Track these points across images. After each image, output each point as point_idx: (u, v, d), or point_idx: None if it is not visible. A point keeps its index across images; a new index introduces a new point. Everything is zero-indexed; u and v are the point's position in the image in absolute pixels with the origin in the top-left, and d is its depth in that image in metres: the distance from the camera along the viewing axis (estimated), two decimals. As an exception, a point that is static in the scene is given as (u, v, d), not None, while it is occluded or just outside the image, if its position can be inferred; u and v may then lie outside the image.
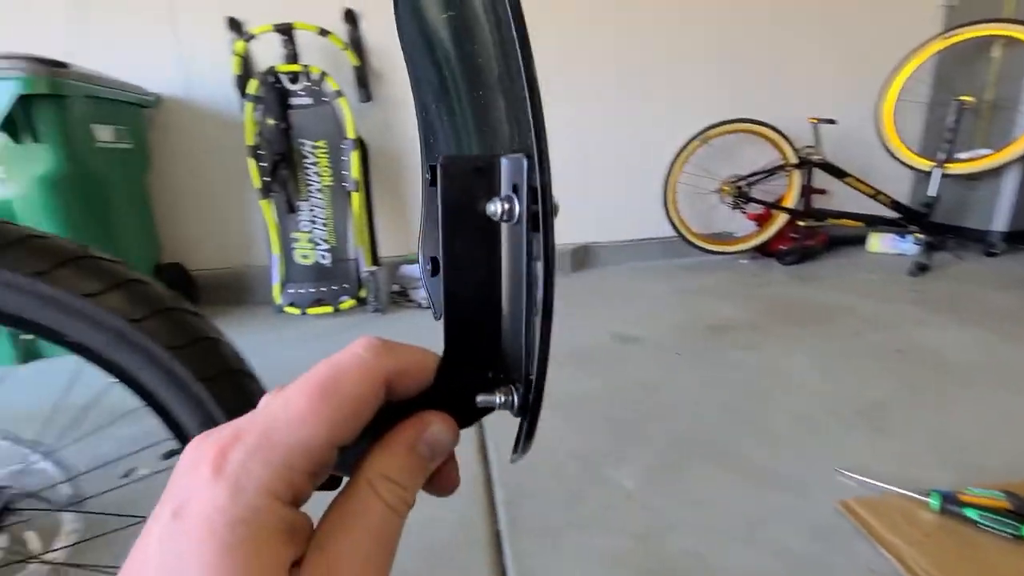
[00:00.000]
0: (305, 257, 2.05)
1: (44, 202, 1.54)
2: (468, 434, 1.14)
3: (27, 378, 0.56)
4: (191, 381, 0.47)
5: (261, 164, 1.94)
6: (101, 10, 1.97)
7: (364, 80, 2.11)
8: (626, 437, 1.12)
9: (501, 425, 1.15)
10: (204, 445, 0.15)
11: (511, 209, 0.17)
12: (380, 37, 2.16)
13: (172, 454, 0.52)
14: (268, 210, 1.99)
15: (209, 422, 0.48)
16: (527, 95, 0.15)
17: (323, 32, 1.97)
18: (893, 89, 2.49)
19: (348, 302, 2.05)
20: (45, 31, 1.93)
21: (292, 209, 2.01)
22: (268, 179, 1.95)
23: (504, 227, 0.18)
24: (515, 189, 0.17)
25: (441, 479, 0.20)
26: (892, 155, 2.54)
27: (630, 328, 1.74)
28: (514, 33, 0.15)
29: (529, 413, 0.18)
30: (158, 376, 0.45)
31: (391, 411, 0.18)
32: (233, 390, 0.49)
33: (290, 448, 0.15)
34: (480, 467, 1.03)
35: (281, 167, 1.95)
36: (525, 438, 0.19)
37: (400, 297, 2.19)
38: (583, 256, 2.60)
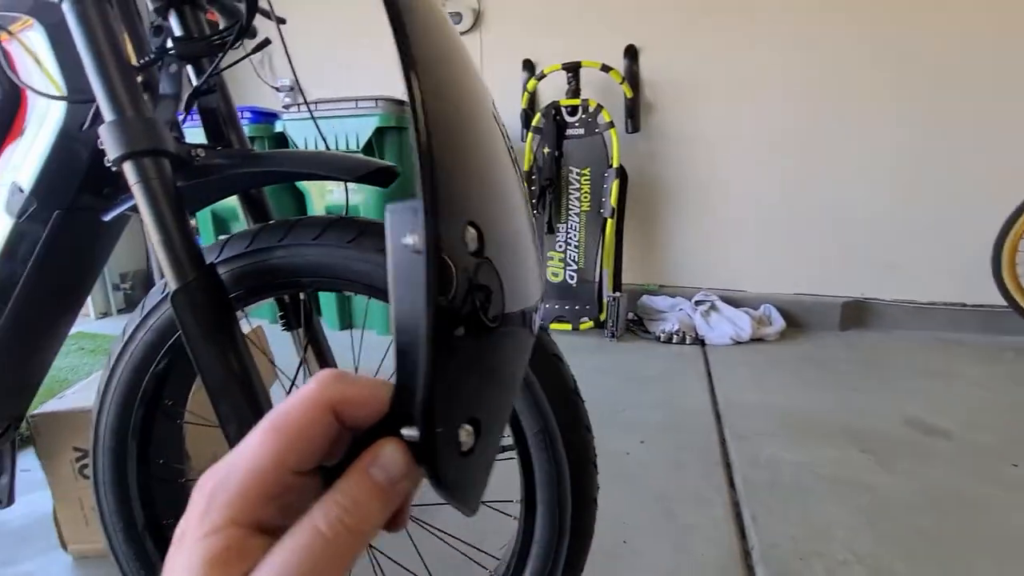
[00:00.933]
0: (555, 275, 2.19)
1: (379, 208, 1.98)
2: (720, 501, 1.05)
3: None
4: (539, 389, 0.52)
5: (531, 188, 2.15)
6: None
7: (635, 111, 2.16)
8: (944, 562, 0.87)
9: (759, 494, 1.03)
10: (200, 480, 0.19)
11: (416, 242, 0.19)
12: (656, 71, 2.19)
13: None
14: (530, 229, 2.19)
15: (541, 424, 0.53)
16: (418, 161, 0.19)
17: (605, 68, 2.09)
18: None
19: (587, 323, 2.11)
20: (393, 75, 2.48)
21: (551, 229, 2.17)
22: (535, 201, 2.15)
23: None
24: None
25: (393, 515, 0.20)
26: None
27: (934, 417, 1.38)
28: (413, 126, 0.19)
29: (422, 452, 0.18)
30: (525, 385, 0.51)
31: (365, 441, 0.19)
32: (566, 407, 0.54)
33: (242, 478, 0.18)
34: (736, 539, 0.93)
35: (548, 191, 2.13)
36: (434, 483, 0.19)
37: (636, 326, 2.16)
38: (857, 312, 2.19)
